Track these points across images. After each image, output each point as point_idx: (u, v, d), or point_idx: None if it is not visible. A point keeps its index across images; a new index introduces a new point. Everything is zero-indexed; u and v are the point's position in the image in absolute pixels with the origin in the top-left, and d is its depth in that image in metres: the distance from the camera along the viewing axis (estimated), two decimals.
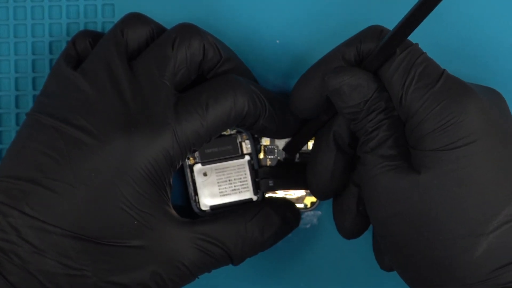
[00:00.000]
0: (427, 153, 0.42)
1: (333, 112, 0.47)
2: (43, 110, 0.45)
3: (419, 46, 0.44)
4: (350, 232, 0.48)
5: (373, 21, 0.49)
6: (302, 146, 0.50)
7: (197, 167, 0.50)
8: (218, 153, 0.50)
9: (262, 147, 0.51)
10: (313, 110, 0.47)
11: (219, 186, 0.50)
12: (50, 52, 0.51)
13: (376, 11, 0.50)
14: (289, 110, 0.48)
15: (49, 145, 0.44)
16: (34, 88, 0.51)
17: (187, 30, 0.46)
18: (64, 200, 0.43)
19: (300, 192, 0.51)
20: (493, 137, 0.42)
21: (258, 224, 0.47)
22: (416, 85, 0.43)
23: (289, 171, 0.50)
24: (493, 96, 0.45)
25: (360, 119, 0.44)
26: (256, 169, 0.50)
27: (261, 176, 0.50)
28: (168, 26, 0.47)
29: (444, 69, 0.44)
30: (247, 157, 0.50)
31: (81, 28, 0.50)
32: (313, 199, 0.51)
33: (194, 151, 0.45)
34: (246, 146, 0.50)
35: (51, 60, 0.51)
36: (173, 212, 0.45)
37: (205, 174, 0.50)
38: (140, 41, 0.46)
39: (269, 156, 0.51)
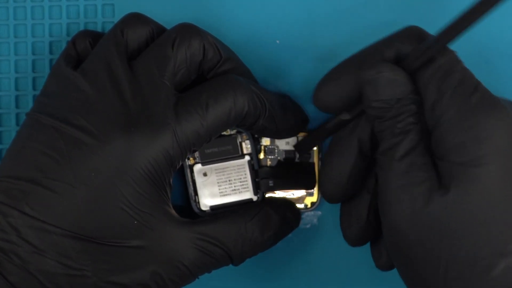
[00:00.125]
0: (455, 166, 0.42)
1: (356, 111, 0.46)
2: (43, 110, 0.45)
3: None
4: (356, 240, 0.48)
5: (374, 22, 0.49)
6: (316, 145, 0.50)
7: (197, 167, 0.50)
8: (218, 153, 0.50)
9: (262, 147, 0.51)
10: (338, 107, 0.46)
11: (219, 186, 0.50)
12: (50, 52, 0.51)
13: (376, 12, 0.50)
14: (292, 110, 0.48)
15: (49, 145, 0.44)
16: (34, 88, 0.51)
17: (187, 30, 0.46)
18: (64, 200, 0.43)
19: (300, 192, 0.51)
20: None
21: (258, 224, 0.47)
22: (452, 93, 0.42)
23: (289, 171, 0.50)
24: None
25: (388, 118, 0.43)
26: (256, 169, 0.50)
27: (261, 176, 0.50)
28: (168, 26, 0.47)
29: (479, 81, 0.43)
30: (247, 157, 0.50)
31: (81, 28, 0.51)
32: (313, 199, 0.51)
33: (194, 151, 0.45)
34: (246, 146, 0.50)
35: (51, 60, 0.51)
36: (173, 212, 0.45)
37: (205, 174, 0.50)
38: (140, 41, 0.46)
39: (269, 156, 0.51)
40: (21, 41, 0.51)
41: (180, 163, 0.45)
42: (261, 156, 0.51)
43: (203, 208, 0.50)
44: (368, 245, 0.50)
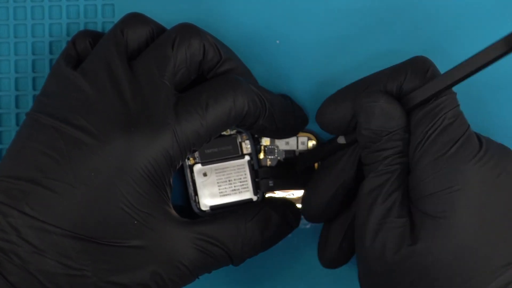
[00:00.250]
0: (426, 217, 0.42)
1: (353, 137, 0.46)
2: (43, 110, 0.45)
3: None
4: (328, 262, 0.49)
5: (373, 26, 0.49)
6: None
7: (197, 167, 0.50)
8: (218, 153, 0.50)
9: (262, 147, 0.51)
10: (338, 129, 0.46)
11: (219, 186, 0.50)
12: (50, 52, 0.51)
13: (375, 16, 0.50)
14: (292, 110, 0.48)
15: (49, 145, 0.43)
16: (34, 88, 0.51)
17: (187, 30, 0.46)
18: (64, 200, 0.43)
19: (300, 192, 0.51)
20: (492, 208, 0.42)
21: (258, 224, 0.47)
22: (434, 138, 0.43)
23: (289, 171, 0.50)
24: (504, 159, 0.43)
25: (374, 150, 0.44)
26: (256, 169, 0.50)
27: (261, 176, 0.50)
28: (168, 26, 0.47)
29: (467, 128, 0.43)
30: (247, 157, 0.50)
31: (81, 28, 0.50)
32: None
33: (194, 151, 0.45)
34: (246, 146, 0.50)
35: (51, 60, 0.51)
36: (173, 212, 0.45)
37: (205, 174, 0.50)
38: (140, 41, 0.46)
39: (269, 156, 0.51)
40: (21, 41, 0.51)
41: (180, 163, 0.45)
42: (261, 156, 0.51)
43: (203, 208, 0.50)
44: None
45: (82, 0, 0.51)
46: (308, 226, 0.51)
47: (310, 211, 0.48)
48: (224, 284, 0.51)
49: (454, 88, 0.43)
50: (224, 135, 0.50)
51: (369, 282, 0.44)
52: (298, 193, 0.51)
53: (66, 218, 0.43)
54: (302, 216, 0.50)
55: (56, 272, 0.43)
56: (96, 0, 0.51)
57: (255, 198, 0.50)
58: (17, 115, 0.51)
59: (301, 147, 0.51)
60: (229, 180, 0.50)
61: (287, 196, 0.51)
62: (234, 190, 0.50)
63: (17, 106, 0.51)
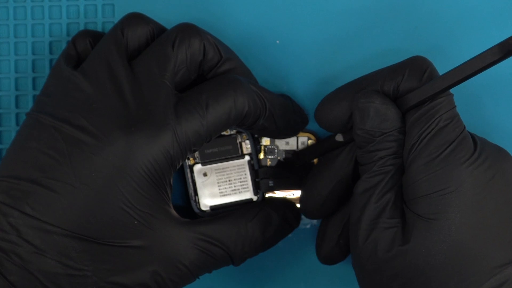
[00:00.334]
0: (418, 218, 0.42)
1: (350, 136, 0.46)
2: (43, 109, 0.45)
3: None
4: (325, 258, 0.49)
5: (372, 26, 0.49)
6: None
7: (197, 167, 0.50)
8: (218, 153, 0.50)
9: (262, 147, 0.51)
10: (336, 127, 0.46)
11: (219, 186, 0.50)
12: (50, 52, 0.51)
13: (374, 16, 0.50)
14: (292, 110, 0.48)
15: (50, 145, 0.43)
16: (34, 88, 0.51)
17: (187, 30, 0.46)
18: (64, 200, 0.43)
19: (300, 192, 0.51)
20: (485, 210, 0.42)
21: (259, 224, 0.47)
22: (428, 140, 0.43)
23: (289, 171, 0.50)
24: (498, 161, 0.43)
25: (368, 150, 0.44)
26: (256, 169, 0.50)
27: (261, 176, 0.50)
28: (168, 26, 0.47)
29: (463, 130, 0.43)
30: (247, 157, 0.50)
31: (81, 28, 0.50)
32: None
33: (194, 151, 0.45)
34: (246, 146, 0.50)
35: (51, 60, 0.51)
36: (174, 212, 0.45)
37: (205, 174, 0.50)
38: (140, 41, 0.46)
39: (269, 156, 0.51)
40: (21, 41, 0.51)
41: (180, 163, 0.45)
42: (261, 156, 0.51)
43: (203, 208, 0.50)
44: None
45: (82, 0, 0.51)
46: (308, 226, 0.51)
47: (307, 206, 0.48)
48: (224, 284, 0.51)
49: (452, 89, 0.43)
50: (224, 135, 0.50)
51: (364, 281, 0.44)
52: (298, 193, 0.51)
53: (67, 218, 0.43)
54: (302, 216, 0.51)
55: (57, 272, 0.43)
56: (96, 0, 0.51)
57: (255, 198, 0.50)
58: (17, 115, 0.51)
59: (301, 147, 0.51)
60: (229, 180, 0.50)
61: (287, 196, 0.51)
62: (234, 190, 0.50)
63: (17, 106, 0.51)
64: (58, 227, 0.43)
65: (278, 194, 0.51)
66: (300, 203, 0.49)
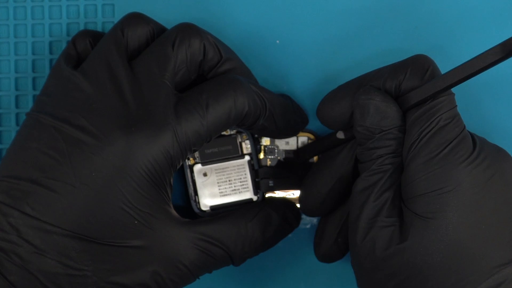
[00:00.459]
0: (416, 217, 0.42)
1: (351, 133, 0.46)
2: (43, 109, 0.45)
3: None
4: (323, 256, 0.49)
5: (372, 26, 0.49)
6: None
7: (197, 167, 0.50)
8: (218, 153, 0.50)
9: (262, 147, 0.51)
10: (338, 124, 0.46)
11: (219, 186, 0.50)
12: (50, 52, 0.51)
13: (374, 16, 0.50)
14: (292, 110, 0.48)
15: (50, 145, 0.43)
16: (34, 88, 0.51)
17: (187, 30, 0.46)
18: (64, 200, 0.43)
19: (300, 190, 0.51)
20: (484, 210, 0.42)
21: (259, 224, 0.47)
22: (428, 139, 0.43)
23: (289, 171, 0.50)
24: (498, 161, 0.43)
25: (367, 148, 0.44)
26: (256, 169, 0.50)
27: (261, 176, 0.50)
28: (168, 26, 0.47)
29: (463, 129, 0.43)
30: (247, 157, 0.50)
31: (81, 28, 0.50)
32: None
33: (194, 151, 0.45)
34: (246, 146, 0.50)
35: (51, 60, 0.51)
36: (174, 212, 0.45)
37: (205, 174, 0.50)
38: (140, 40, 0.46)
39: (269, 156, 0.51)
40: (21, 41, 0.51)
41: (180, 163, 0.45)
42: (261, 156, 0.51)
43: (203, 208, 0.50)
44: None
45: (82, 0, 0.51)
46: (308, 226, 0.51)
47: (307, 204, 0.48)
48: (224, 284, 0.51)
49: (453, 88, 0.43)
50: (224, 135, 0.50)
51: (362, 280, 0.44)
52: (298, 193, 0.51)
53: (67, 218, 0.43)
54: (302, 216, 0.51)
55: (57, 272, 0.43)
56: (96, 0, 0.51)
57: (255, 198, 0.50)
58: (17, 115, 0.51)
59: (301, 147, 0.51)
60: (229, 180, 0.50)
61: (287, 196, 0.51)
62: (234, 190, 0.50)
63: (17, 106, 0.51)
64: (58, 227, 0.43)
65: (278, 194, 0.51)
66: (299, 200, 0.49)
